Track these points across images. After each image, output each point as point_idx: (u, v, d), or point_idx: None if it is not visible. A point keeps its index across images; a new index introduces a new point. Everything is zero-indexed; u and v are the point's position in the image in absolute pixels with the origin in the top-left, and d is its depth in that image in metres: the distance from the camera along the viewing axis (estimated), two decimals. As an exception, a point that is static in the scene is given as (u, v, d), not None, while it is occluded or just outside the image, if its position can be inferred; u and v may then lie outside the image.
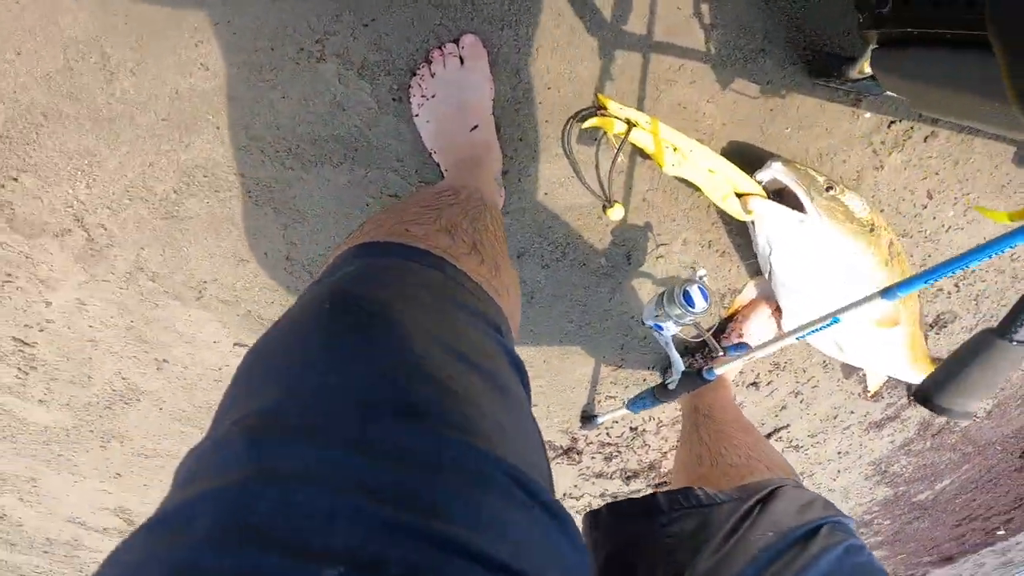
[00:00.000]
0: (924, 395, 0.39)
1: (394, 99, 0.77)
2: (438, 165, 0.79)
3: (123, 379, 1.01)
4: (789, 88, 0.85)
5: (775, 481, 0.55)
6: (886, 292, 0.49)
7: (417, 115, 0.76)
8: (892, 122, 0.88)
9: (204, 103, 0.76)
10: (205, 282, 0.90)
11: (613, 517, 0.56)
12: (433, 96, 0.74)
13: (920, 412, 1.30)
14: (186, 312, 0.93)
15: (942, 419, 1.32)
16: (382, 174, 0.82)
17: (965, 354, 0.37)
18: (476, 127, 0.74)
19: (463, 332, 0.34)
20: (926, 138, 0.89)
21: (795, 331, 0.58)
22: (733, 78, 0.84)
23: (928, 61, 0.55)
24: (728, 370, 0.94)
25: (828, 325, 0.55)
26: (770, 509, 0.49)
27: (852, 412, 1.25)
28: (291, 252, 0.88)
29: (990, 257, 0.43)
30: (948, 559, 2.08)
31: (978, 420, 1.35)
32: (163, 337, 0.96)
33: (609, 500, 1.32)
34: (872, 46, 0.67)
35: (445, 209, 0.47)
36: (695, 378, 0.75)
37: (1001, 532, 1.93)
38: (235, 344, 0.98)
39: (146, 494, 1.19)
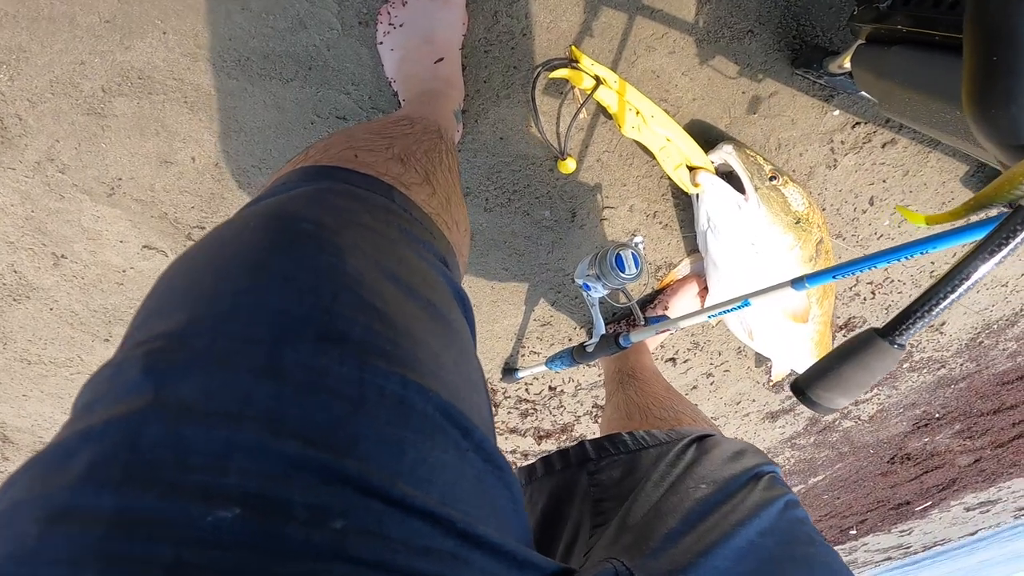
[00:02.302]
0: (799, 385, 0.41)
1: (360, 22, 0.73)
2: (396, 95, 0.76)
3: (15, 272, 0.92)
4: (767, 74, 0.84)
5: (703, 430, 0.55)
6: (796, 282, 0.51)
7: (382, 42, 0.73)
8: (857, 123, 0.89)
9: (154, 7, 0.71)
10: (120, 179, 0.83)
11: (545, 470, 0.54)
12: (401, 25, 0.71)
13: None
14: (94, 207, 0.85)
15: (828, 417, 1.43)
16: (334, 95, 0.78)
17: (848, 350, 0.38)
18: (441, 60, 0.72)
19: (405, 258, 0.31)
20: (884, 144, 0.92)
21: (707, 309, 0.59)
22: (714, 55, 0.83)
23: (907, 61, 0.55)
24: (645, 339, 0.96)
25: (738, 307, 0.56)
26: (702, 459, 0.47)
27: (754, 400, 1.33)
28: (222, 160, 0.83)
29: (897, 260, 0.44)
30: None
31: (860, 423, 1.47)
32: (65, 231, 0.87)
33: (520, 457, 1.36)
34: (859, 42, 0.67)
35: (400, 138, 0.45)
36: (612, 343, 0.76)
37: (853, 532, 2.15)
38: (144, 246, 0.91)
39: (24, 406, 1.10)
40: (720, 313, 0.59)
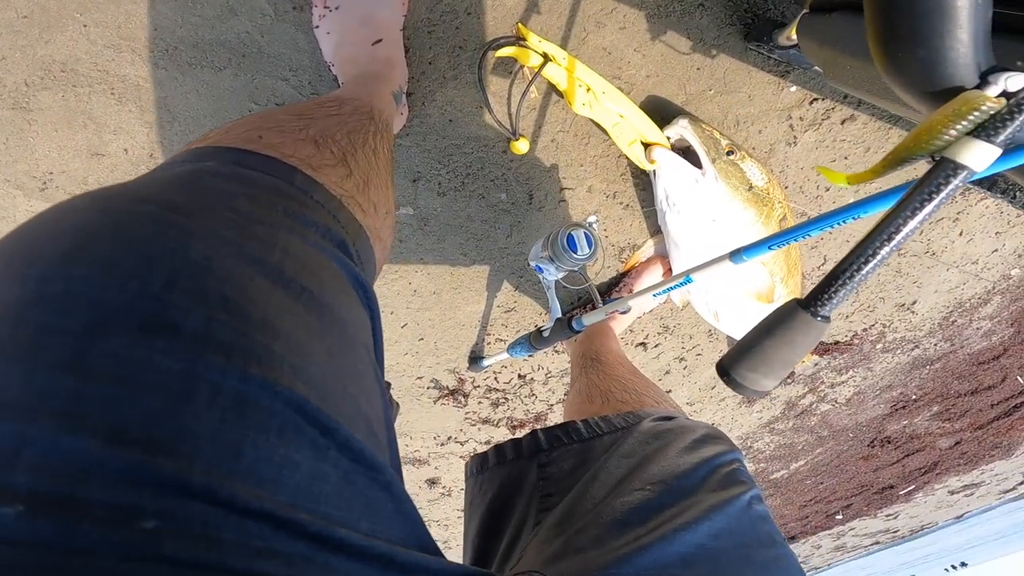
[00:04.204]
0: (723, 366, 0.38)
1: (294, 7, 0.71)
2: (335, 79, 0.74)
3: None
4: (720, 49, 0.82)
5: (663, 411, 0.52)
6: (734, 255, 0.48)
7: (318, 26, 0.71)
8: (815, 99, 0.87)
9: (73, 1, 0.68)
10: (51, 173, 0.81)
11: (497, 459, 0.52)
12: (337, 8, 0.69)
13: (787, 392, 1.39)
14: (27, 202, 0.83)
15: (805, 402, 1.42)
16: (271, 82, 0.76)
17: (769, 325, 0.36)
18: (379, 41, 0.69)
19: (282, 244, 0.29)
20: (844, 121, 0.90)
21: (651, 287, 0.56)
22: (666, 30, 0.80)
23: (844, 26, 0.53)
24: (603, 321, 0.94)
25: (681, 284, 0.53)
26: (655, 455, 0.44)
27: (729, 385, 1.32)
28: (156, 151, 0.81)
29: (830, 227, 0.42)
30: (791, 538, 2.31)
31: (837, 406, 1.46)
32: (3, 228, 0.85)
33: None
34: (804, 11, 0.64)
35: (320, 120, 0.43)
36: (565, 327, 0.74)
37: (839, 517, 2.15)
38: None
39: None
40: (664, 291, 0.57)
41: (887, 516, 2.28)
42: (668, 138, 0.79)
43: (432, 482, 1.43)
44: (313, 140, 0.39)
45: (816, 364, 1.33)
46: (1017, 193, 0.81)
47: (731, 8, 0.79)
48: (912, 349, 1.33)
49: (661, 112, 0.83)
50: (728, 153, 0.76)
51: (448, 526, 1.61)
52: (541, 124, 0.84)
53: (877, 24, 0.29)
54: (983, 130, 0.28)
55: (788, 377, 1.32)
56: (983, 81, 0.28)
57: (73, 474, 0.18)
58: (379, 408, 0.30)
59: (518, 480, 0.49)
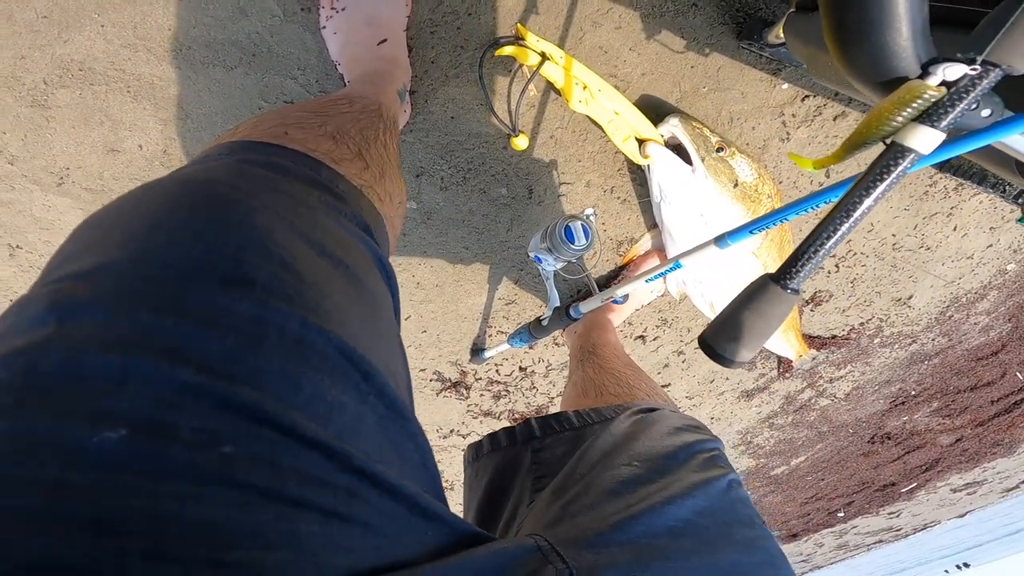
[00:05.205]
0: (704, 338, 0.41)
1: (302, 8, 0.74)
2: (342, 77, 0.77)
3: (-29, 266, 0.93)
4: (714, 47, 0.85)
5: (650, 403, 0.55)
6: (719, 240, 0.51)
7: (325, 27, 0.74)
8: (807, 96, 0.90)
9: (90, 1, 0.71)
10: (68, 169, 0.85)
11: (492, 447, 0.55)
12: (344, 9, 0.72)
13: (785, 386, 1.41)
14: (44, 197, 0.87)
15: (804, 396, 1.44)
16: (280, 81, 0.79)
17: (744, 298, 0.39)
18: (384, 41, 0.72)
19: (321, 223, 0.32)
20: (836, 117, 0.92)
21: (642, 273, 0.59)
22: (660, 29, 0.83)
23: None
24: (598, 310, 0.97)
25: (671, 269, 0.56)
26: (639, 435, 0.47)
27: (727, 378, 1.34)
28: (169, 147, 0.84)
29: (805, 211, 0.45)
30: (794, 536, 2.31)
31: (836, 400, 1.47)
32: (18, 221, 0.89)
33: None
34: (791, 10, 0.67)
35: (335, 116, 0.46)
36: (563, 315, 0.77)
37: (841, 514, 2.15)
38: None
39: None
40: (655, 276, 0.60)
41: (889, 514, 2.28)
42: (661, 135, 0.82)
43: (436, 474, 1.45)
44: (331, 136, 0.42)
45: (814, 358, 1.35)
46: (1007, 187, 0.83)
47: (723, 7, 0.81)
48: (910, 344, 1.35)
49: (656, 109, 0.86)
50: (718, 150, 0.78)
51: (452, 518, 1.63)
52: (540, 121, 0.87)
53: (829, 20, 0.32)
54: (928, 116, 0.31)
55: (787, 372, 1.34)
56: (925, 71, 0.31)
57: (170, 401, 0.21)
58: (403, 369, 0.34)
59: (513, 465, 0.52)
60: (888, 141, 0.33)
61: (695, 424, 0.50)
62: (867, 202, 0.34)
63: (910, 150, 0.31)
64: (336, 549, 0.22)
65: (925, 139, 0.31)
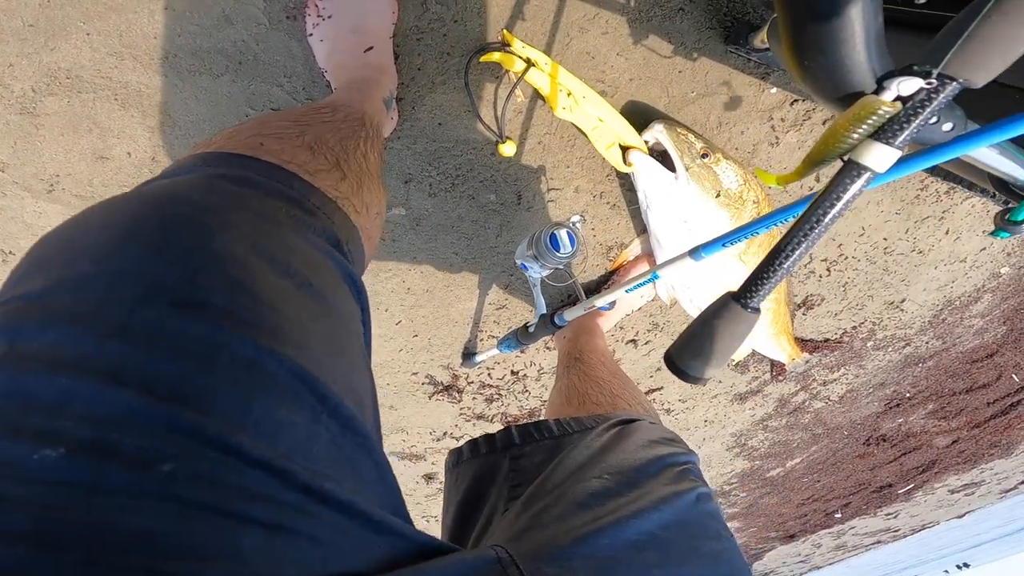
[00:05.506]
0: (669, 355, 0.41)
1: (288, 16, 0.74)
2: (329, 85, 0.77)
3: (-35, 269, 0.94)
4: (701, 52, 0.85)
5: (629, 415, 0.55)
6: (693, 252, 0.51)
7: (311, 34, 0.74)
8: (795, 100, 0.89)
9: (76, 10, 0.72)
10: (58, 175, 0.86)
11: (471, 453, 0.55)
12: (330, 16, 0.72)
13: (779, 389, 1.41)
14: (35, 204, 0.88)
15: (798, 399, 1.44)
16: (267, 88, 0.80)
17: (707, 316, 0.39)
18: (371, 48, 0.73)
19: (287, 241, 0.33)
20: (825, 121, 0.92)
21: (622, 284, 0.60)
22: (647, 34, 0.83)
23: None
24: (585, 317, 0.97)
25: (647, 281, 0.57)
26: (614, 447, 0.47)
27: (720, 382, 1.34)
28: (158, 154, 0.85)
29: (776, 224, 0.45)
30: (791, 537, 2.31)
31: (830, 403, 1.47)
32: (10, 228, 0.90)
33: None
34: (774, 15, 0.67)
35: (315, 126, 0.46)
36: (548, 322, 0.77)
37: (838, 515, 2.15)
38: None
39: None
40: (634, 287, 0.60)
41: (887, 515, 2.27)
42: (646, 142, 0.82)
43: (429, 477, 1.46)
44: (308, 146, 0.42)
45: (807, 361, 1.35)
46: (996, 192, 0.83)
47: (710, 12, 0.81)
48: (903, 347, 1.34)
49: (643, 115, 0.86)
50: (702, 156, 0.79)
51: (447, 520, 1.64)
52: (528, 127, 0.88)
53: (787, 34, 0.32)
54: (883, 133, 0.31)
55: (780, 375, 1.34)
56: (880, 86, 0.31)
57: (112, 421, 0.21)
58: (367, 385, 0.34)
59: (491, 472, 0.52)
60: (845, 158, 0.33)
61: (671, 437, 0.51)
62: (824, 223, 0.34)
63: (865, 168, 0.32)
64: (280, 561, 0.22)
65: (880, 157, 0.31)
